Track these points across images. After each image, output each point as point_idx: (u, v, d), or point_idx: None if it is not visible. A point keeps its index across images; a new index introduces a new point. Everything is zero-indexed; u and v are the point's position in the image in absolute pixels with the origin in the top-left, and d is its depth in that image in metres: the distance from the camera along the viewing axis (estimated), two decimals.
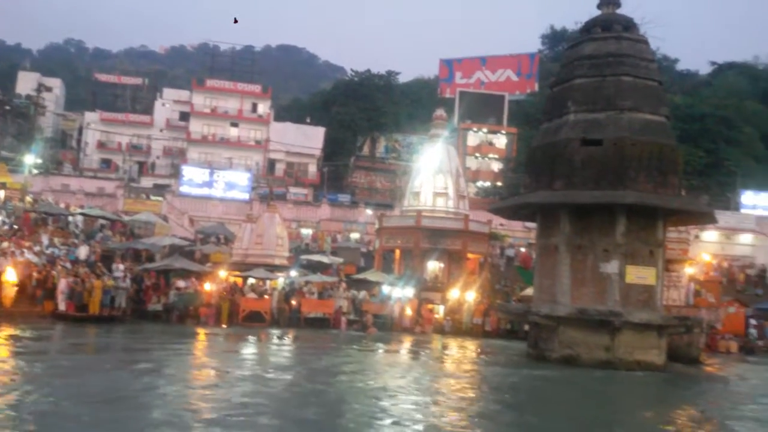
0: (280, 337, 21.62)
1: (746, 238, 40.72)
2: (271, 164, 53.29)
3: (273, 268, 27.44)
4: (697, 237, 37.40)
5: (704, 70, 67.42)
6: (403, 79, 64.17)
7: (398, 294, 27.57)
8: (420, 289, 29.19)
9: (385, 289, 28.06)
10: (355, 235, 40.18)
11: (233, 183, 44.96)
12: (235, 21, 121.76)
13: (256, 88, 55.65)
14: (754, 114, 50.92)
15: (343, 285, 27.78)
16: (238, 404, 10.05)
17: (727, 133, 47.34)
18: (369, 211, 43.47)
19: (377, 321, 25.89)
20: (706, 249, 38.22)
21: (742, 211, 42.15)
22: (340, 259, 32.91)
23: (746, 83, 56.63)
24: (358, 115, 54.69)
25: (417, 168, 33.95)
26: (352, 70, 63.77)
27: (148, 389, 10.84)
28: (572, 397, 13.98)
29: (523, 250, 37.13)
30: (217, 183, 44.74)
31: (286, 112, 60.33)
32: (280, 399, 11.06)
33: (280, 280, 27.09)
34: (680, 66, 70.22)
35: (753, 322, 29.11)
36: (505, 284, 33.14)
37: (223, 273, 27.00)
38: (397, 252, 33.32)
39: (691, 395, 15.64)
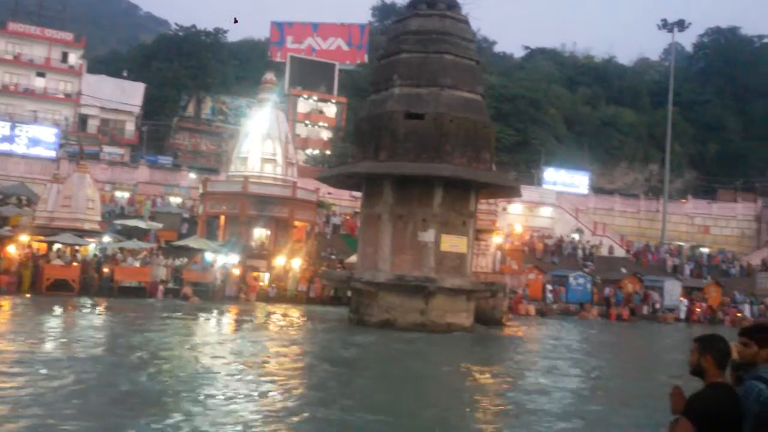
0: (88, 308, 20.25)
1: (547, 211, 44.89)
2: (83, 120, 49.02)
3: (82, 234, 25.52)
4: (504, 209, 40.55)
5: (518, 53, 72.53)
6: (232, 38, 61.73)
7: (222, 261, 26.98)
8: (245, 257, 28.77)
9: (209, 256, 27.30)
10: (176, 200, 38.49)
11: (38, 139, 40.82)
12: None
13: (68, 36, 50.59)
14: (559, 97, 55.87)
15: (162, 252, 26.60)
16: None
17: (535, 114, 51.53)
18: (192, 175, 41.81)
19: (199, 290, 25.18)
20: (512, 220, 41.63)
21: (545, 186, 46.32)
22: (160, 225, 31.42)
23: (554, 68, 61.86)
24: (183, 73, 51.88)
25: (245, 132, 33.12)
26: (176, 24, 60.28)
27: None
28: (388, 357, 14.71)
29: (349, 218, 37.92)
30: (20, 138, 40.37)
31: (101, 65, 55.60)
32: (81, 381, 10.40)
33: (91, 247, 25.29)
34: (497, 48, 74.95)
35: (549, 287, 32.38)
36: (331, 252, 33.71)
37: (24, 238, 24.61)
38: (222, 218, 32.46)
39: (493, 352, 17.18)
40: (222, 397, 9.01)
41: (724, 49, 64.36)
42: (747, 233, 49.15)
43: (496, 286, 21.59)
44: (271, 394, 9.64)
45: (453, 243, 19.67)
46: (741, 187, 53.08)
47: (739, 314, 32.08)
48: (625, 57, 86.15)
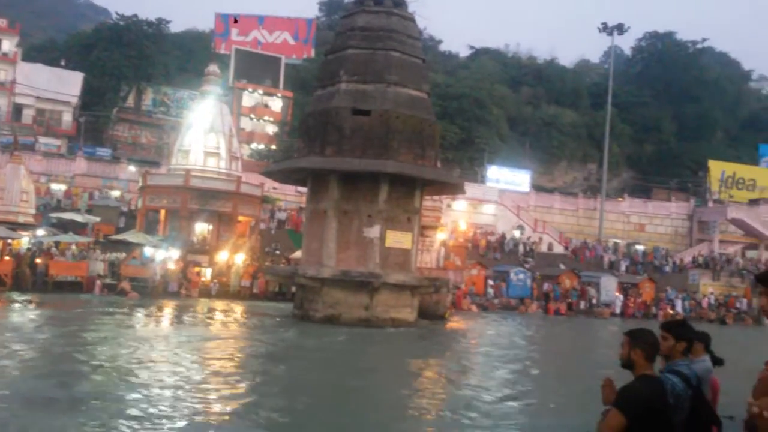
0: (21, 303, 19.52)
1: (489, 209, 45.60)
2: (18, 110, 47.05)
3: (16, 227, 24.56)
4: (449, 206, 41.06)
5: (464, 53, 73.41)
6: (175, 29, 60.34)
7: (162, 256, 26.42)
8: (186, 252, 28.26)
9: (148, 251, 26.68)
10: (115, 193, 37.40)
11: None
12: None
13: (1, 22, 48.48)
14: (503, 97, 56.80)
15: (99, 246, 25.86)
16: None
17: (479, 113, 52.25)
18: (132, 168, 40.72)
19: (139, 285, 24.59)
20: (456, 217, 42.16)
21: (488, 184, 47.02)
22: (97, 218, 30.51)
23: (498, 68, 62.90)
24: (124, 63, 50.37)
25: (187, 125, 32.49)
26: (117, 13, 58.46)
27: None
28: (332, 353, 14.72)
29: (294, 213, 37.66)
30: None
31: (38, 53, 53.49)
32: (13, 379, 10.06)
33: (24, 240, 24.38)
34: (443, 47, 75.65)
35: (491, 282, 32.97)
36: (275, 247, 33.44)
37: None
38: (163, 212, 31.79)
39: (435, 346, 17.42)
40: (156, 397, 8.85)
41: (661, 54, 66.68)
42: (680, 231, 51.15)
43: (440, 281, 21.89)
44: (209, 394, 9.50)
45: (398, 239, 19.82)
46: (675, 186, 55.24)
47: (671, 310, 33.40)
48: (567, 59, 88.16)
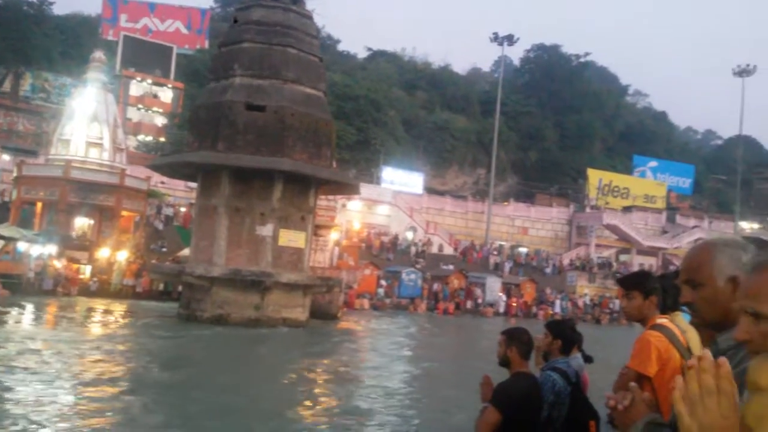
0: None
1: (384, 209, 46.21)
2: None
3: None
4: (344, 206, 41.19)
5: (361, 54, 73.83)
6: (59, 11, 56.70)
7: (38, 252, 24.78)
8: (64, 248, 26.67)
9: (22, 246, 24.93)
10: None
11: None
12: None
13: None
14: (398, 100, 57.71)
15: None
16: None
17: (376, 115, 52.79)
18: (6, 157, 37.92)
19: (11, 282, 22.91)
20: (350, 217, 42.38)
21: (383, 185, 47.64)
22: None
23: (394, 71, 63.80)
24: (1, 45, 46.78)
25: (69, 113, 30.67)
26: None
27: None
28: (225, 354, 14.38)
29: (183, 209, 36.44)
30: None
31: None
32: None
33: None
34: (341, 47, 75.78)
35: (383, 282, 33.41)
36: (162, 244, 32.21)
37: None
38: (39, 205, 29.79)
39: (328, 345, 17.44)
40: (29, 402, 8.31)
41: (547, 65, 70.12)
42: (560, 235, 54.05)
43: (333, 281, 21.92)
44: (83, 398, 9.01)
45: (291, 238, 19.68)
46: (556, 192, 58.36)
47: (550, 312, 35.20)
48: (460, 66, 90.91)
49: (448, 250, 44.12)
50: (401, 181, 49.03)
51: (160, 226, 34.62)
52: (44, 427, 7.19)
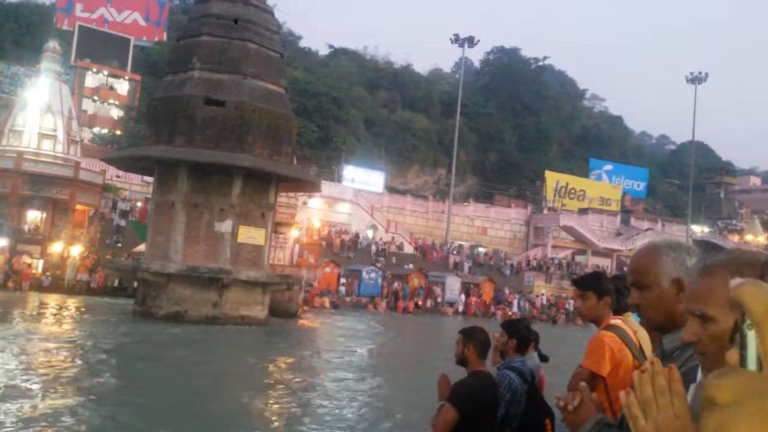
0: None
1: (344, 207, 46.12)
2: None
3: None
4: (304, 203, 40.96)
5: (323, 51, 73.50)
6: None
7: None
8: (15, 241, 25.92)
9: None
10: None
11: None
12: None
13: None
14: (360, 99, 57.63)
15: None
16: None
17: (337, 113, 52.65)
18: None
19: None
20: (311, 214, 42.17)
21: (344, 183, 47.55)
22: None
23: (355, 69, 63.69)
24: None
25: (21, 103, 29.86)
26: None
27: None
28: (182, 351, 14.13)
29: (140, 204, 35.73)
30: None
31: None
32: None
33: None
34: (303, 43, 75.33)
35: (343, 280, 33.36)
36: (117, 239, 31.55)
37: None
38: None
39: (286, 343, 17.34)
40: None
41: (507, 68, 70.95)
42: (518, 236, 54.78)
43: (293, 279, 21.78)
44: (32, 400, 8.77)
45: (251, 235, 19.50)
46: (514, 194, 59.12)
47: (509, 311, 35.63)
48: (421, 66, 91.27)
49: (409, 249, 44.30)
50: (362, 179, 49.00)
51: (116, 221, 33.90)
52: None
